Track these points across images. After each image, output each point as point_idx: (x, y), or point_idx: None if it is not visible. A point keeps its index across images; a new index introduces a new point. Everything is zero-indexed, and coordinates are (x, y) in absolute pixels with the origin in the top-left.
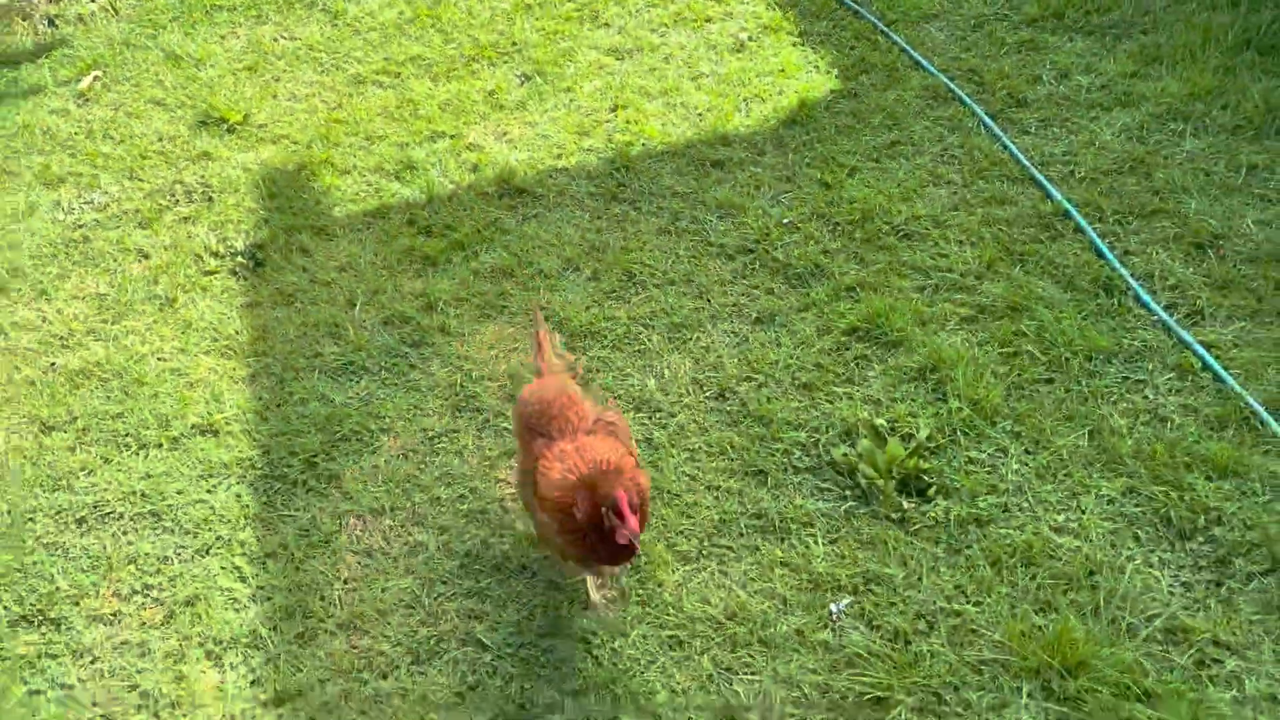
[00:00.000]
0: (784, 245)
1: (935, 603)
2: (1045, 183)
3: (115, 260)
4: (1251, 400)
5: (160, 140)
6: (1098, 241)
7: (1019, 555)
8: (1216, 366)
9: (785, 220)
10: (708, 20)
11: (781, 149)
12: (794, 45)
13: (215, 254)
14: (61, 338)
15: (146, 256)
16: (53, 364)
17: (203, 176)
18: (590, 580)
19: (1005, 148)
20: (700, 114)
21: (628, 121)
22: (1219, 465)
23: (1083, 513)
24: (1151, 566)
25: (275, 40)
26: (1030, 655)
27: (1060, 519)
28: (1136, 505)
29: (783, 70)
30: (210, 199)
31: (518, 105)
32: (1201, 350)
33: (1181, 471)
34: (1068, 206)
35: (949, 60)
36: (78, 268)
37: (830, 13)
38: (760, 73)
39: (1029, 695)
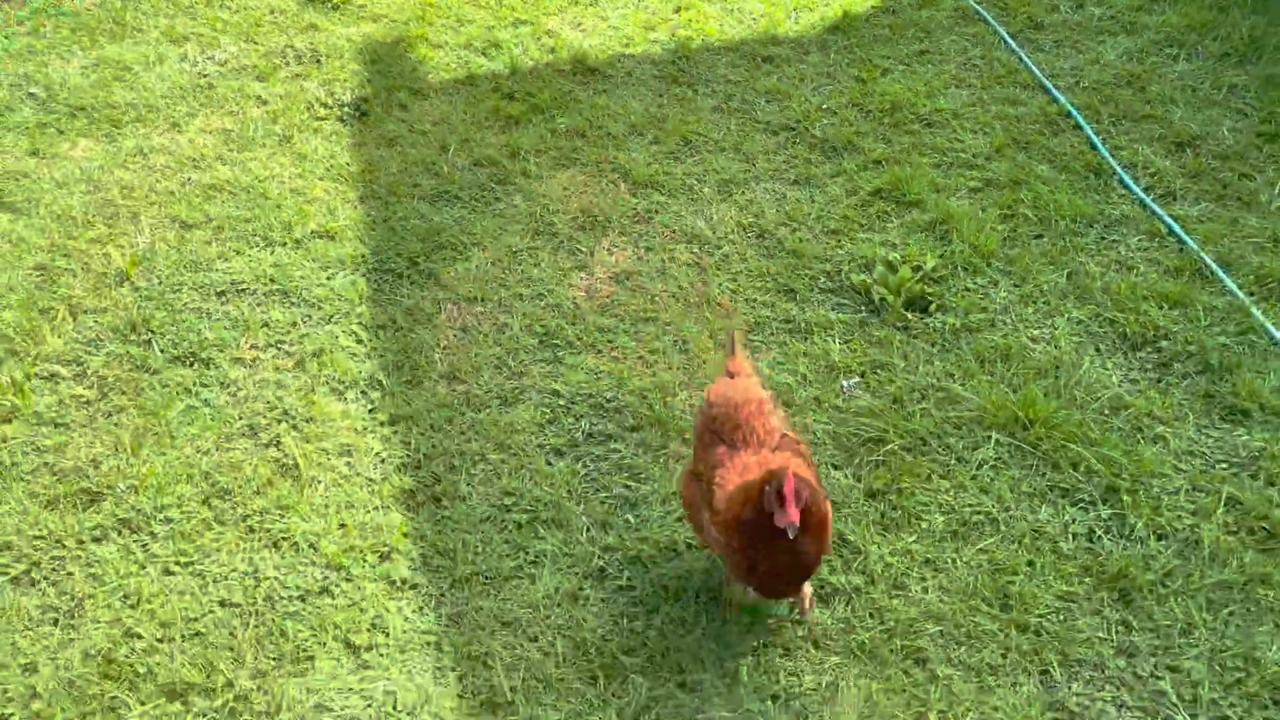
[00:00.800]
0: (821, 126)
1: (927, 382)
2: (1053, 89)
3: (237, 104)
4: (1206, 257)
5: (272, 13)
6: (1093, 136)
7: (999, 353)
8: (1180, 231)
9: (825, 106)
10: None
11: (824, 51)
12: None
13: (324, 104)
14: (194, 160)
15: (265, 103)
16: (188, 179)
17: (311, 43)
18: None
19: (1021, 61)
20: (754, 18)
21: (689, 21)
22: (1171, 298)
23: (1054, 329)
24: (1105, 367)
25: None
26: (1000, 414)
27: (1036, 332)
28: (1099, 326)
29: None
30: (318, 61)
31: (591, 1)
32: (1169, 220)
33: (1140, 303)
34: (1070, 108)
35: None
36: (204, 108)
37: None
38: None
39: (996, 440)
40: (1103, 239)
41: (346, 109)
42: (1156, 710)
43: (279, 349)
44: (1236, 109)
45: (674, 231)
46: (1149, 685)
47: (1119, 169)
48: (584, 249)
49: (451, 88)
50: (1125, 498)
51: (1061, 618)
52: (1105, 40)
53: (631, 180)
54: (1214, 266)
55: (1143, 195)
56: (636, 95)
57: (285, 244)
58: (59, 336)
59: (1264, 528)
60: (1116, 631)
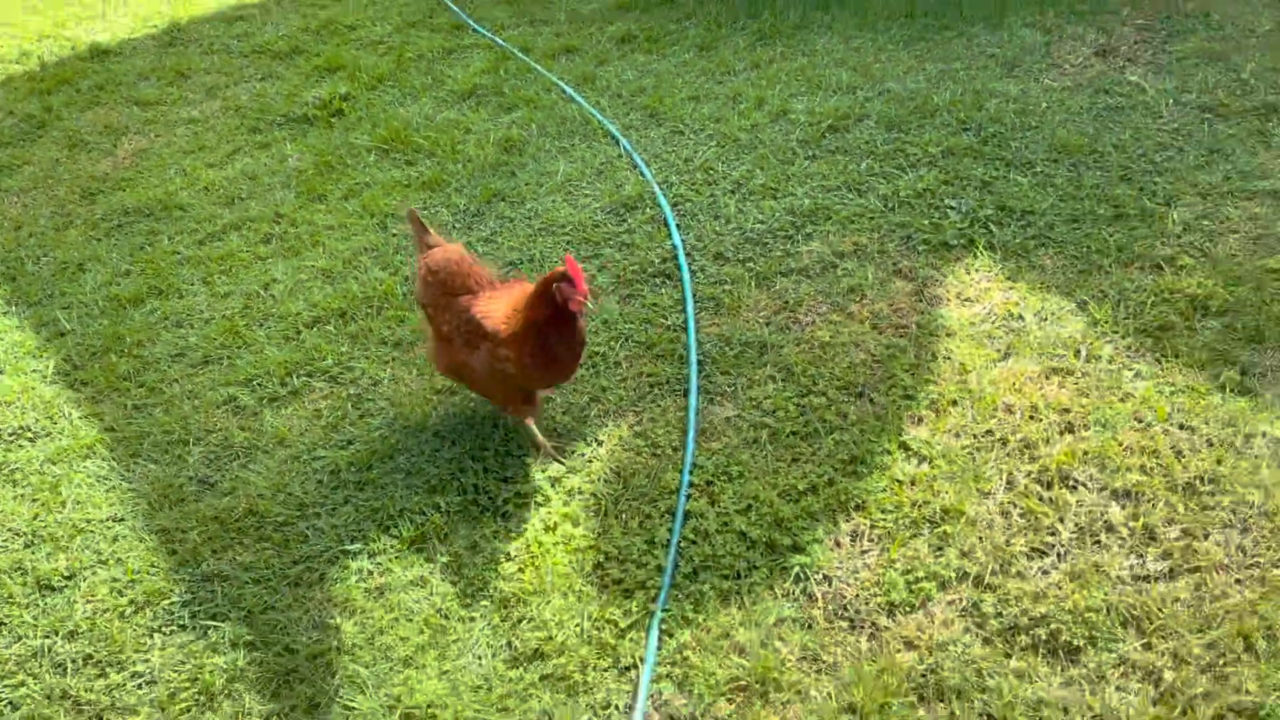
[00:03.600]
0: (278, 45)
1: (340, 143)
2: (454, 9)
3: None
4: (512, 48)
5: None
6: (458, 10)
7: (389, 120)
8: (499, 39)
9: (281, 34)
10: None
11: (280, 3)
12: None
13: None
14: None
15: None
16: None
17: None
18: (533, 425)
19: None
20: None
21: (174, 2)
22: (488, 70)
23: (421, 104)
24: (450, 110)
25: None
26: (384, 140)
27: (408, 109)
28: (447, 94)
29: None
30: None
31: (101, 16)
32: (493, 35)
33: (472, 77)
34: (460, 13)
35: None
36: None
37: None
38: None
39: (377, 153)
40: (456, 58)
41: None
42: (488, 219)
43: None
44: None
45: (173, 122)
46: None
47: (470, 20)
48: (109, 147)
49: None
50: (440, 159)
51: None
52: None
53: (140, 103)
54: (517, 52)
55: (482, 29)
56: (142, 57)
57: None
58: None
59: (509, 143)
60: (507, 175)
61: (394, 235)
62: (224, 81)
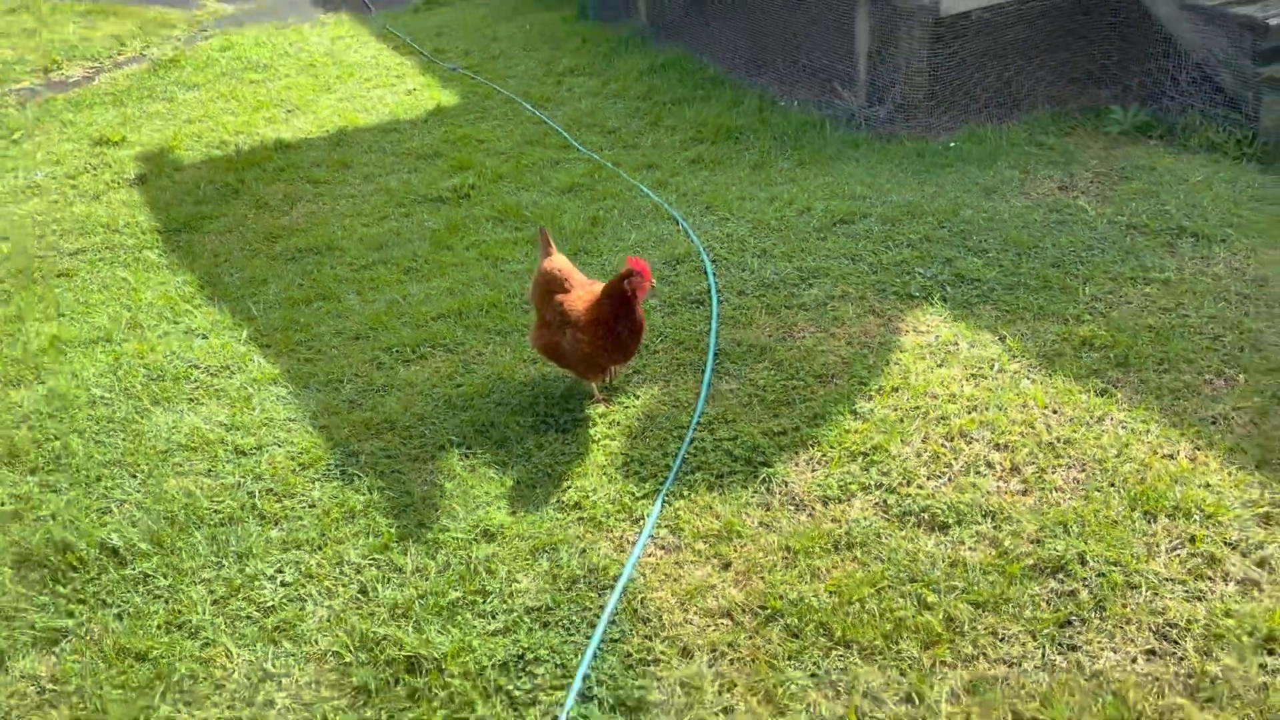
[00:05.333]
0: (424, 149)
1: (474, 215)
2: (548, 120)
3: (60, 191)
4: (606, 161)
5: (70, 153)
6: (563, 132)
7: (508, 207)
8: (595, 154)
9: (425, 143)
10: (392, 85)
11: (426, 123)
12: (431, 89)
13: (117, 182)
14: (35, 216)
15: (76, 187)
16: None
17: (104, 160)
18: (596, 385)
19: (535, 114)
20: (385, 112)
21: (346, 116)
22: (590, 175)
23: (532, 197)
24: (553, 200)
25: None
26: (501, 210)
27: (523, 195)
28: (555, 193)
29: (430, 98)
30: (109, 166)
31: (284, 119)
32: (592, 152)
33: (575, 178)
34: (553, 125)
35: (517, 91)
36: (35, 197)
37: (449, 75)
38: (419, 100)
39: (497, 221)
40: (561, 166)
41: (133, 181)
42: None
43: (120, 264)
44: (640, 115)
45: (337, 196)
46: None
47: (574, 141)
48: (287, 209)
49: (198, 165)
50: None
51: None
52: (581, 100)
53: (312, 181)
54: (608, 164)
55: (580, 147)
56: (315, 151)
57: (110, 232)
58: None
59: (594, 220)
60: None
61: (502, 272)
62: (378, 171)
